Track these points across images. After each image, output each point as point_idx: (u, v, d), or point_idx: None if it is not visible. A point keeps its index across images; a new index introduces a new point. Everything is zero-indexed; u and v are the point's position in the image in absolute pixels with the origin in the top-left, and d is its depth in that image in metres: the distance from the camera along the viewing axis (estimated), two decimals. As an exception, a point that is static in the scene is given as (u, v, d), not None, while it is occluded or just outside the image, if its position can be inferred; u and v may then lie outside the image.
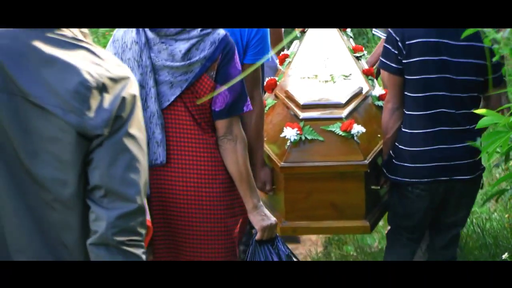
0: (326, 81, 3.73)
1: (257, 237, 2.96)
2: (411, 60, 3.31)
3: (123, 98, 1.95)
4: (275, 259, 2.97)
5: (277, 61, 4.23)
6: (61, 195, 1.97)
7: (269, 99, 3.74)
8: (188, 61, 2.85)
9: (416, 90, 3.35)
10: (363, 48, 4.28)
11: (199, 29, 2.84)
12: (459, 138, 3.35)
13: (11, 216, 2.00)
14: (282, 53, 4.27)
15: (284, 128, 3.39)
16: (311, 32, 4.35)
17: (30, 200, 1.98)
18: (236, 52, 2.93)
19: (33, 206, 1.99)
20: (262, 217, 2.96)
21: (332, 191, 3.40)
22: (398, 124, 3.41)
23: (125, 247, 1.97)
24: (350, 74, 3.77)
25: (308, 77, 3.78)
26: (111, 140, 1.95)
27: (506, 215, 4.79)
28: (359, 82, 3.70)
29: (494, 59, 2.36)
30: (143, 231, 2.01)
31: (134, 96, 1.98)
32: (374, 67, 4.19)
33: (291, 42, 4.65)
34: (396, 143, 3.42)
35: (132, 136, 1.97)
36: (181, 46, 2.85)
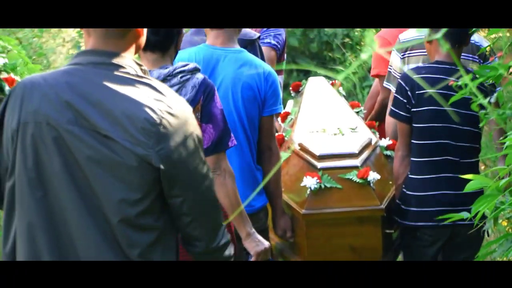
0: (335, 134, 3.97)
1: (253, 260, 3.16)
2: (420, 109, 3.58)
3: (185, 135, 2.19)
4: None
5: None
6: (129, 215, 2.16)
7: (281, 153, 3.96)
8: None
9: (423, 137, 3.61)
10: (360, 104, 4.57)
11: (179, 76, 3.05)
12: (463, 185, 3.59)
13: (82, 233, 2.18)
14: (283, 111, 4.53)
15: (304, 177, 3.61)
16: (307, 90, 4.61)
17: (99, 219, 2.17)
18: (216, 92, 3.14)
19: (101, 224, 2.18)
20: (256, 243, 3.16)
21: (351, 235, 3.62)
22: (408, 170, 3.66)
23: (223, 252, 2.35)
24: (356, 127, 4.03)
25: (317, 131, 4.03)
26: (190, 174, 2.21)
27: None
28: (367, 134, 3.97)
29: (481, 125, 2.55)
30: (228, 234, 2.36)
31: (195, 130, 2.23)
32: (369, 118, 4.48)
33: (285, 101, 4.92)
34: (403, 189, 3.68)
35: (203, 162, 2.25)
36: None
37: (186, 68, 3.07)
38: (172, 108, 2.18)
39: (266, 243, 3.19)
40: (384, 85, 4.36)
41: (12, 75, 2.84)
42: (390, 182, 3.79)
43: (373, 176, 3.60)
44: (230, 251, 2.41)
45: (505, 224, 3.11)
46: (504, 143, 2.48)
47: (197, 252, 2.32)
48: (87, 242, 2.18)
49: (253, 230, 3.19)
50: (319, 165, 3.67)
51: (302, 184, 3.61)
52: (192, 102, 3.05)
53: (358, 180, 3.59)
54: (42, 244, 2.19)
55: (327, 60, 8.43)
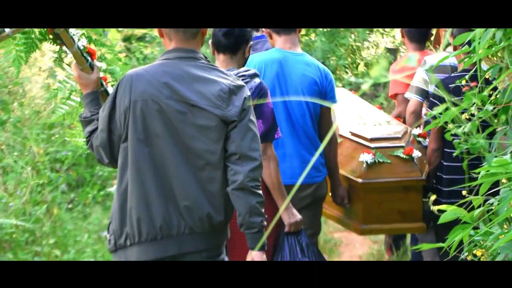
0: (375, 125, 4.90)
1: (286, 229, 3.84)
2: None
3: (245, 98, 3.08)
4: (298, 247, 3.83)
5: None
6: (210, 160, 3.04)
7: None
8: None
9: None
10: (381, 107, 5.53)
11: (241, 79, 3.47)
12: None
13: (178, 175, 3.02)
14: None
15: (361, 154, 4.51)
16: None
17: (190, 165, 3.03)
18: (269, 94, 3.82)
19: (191, 169, 3.03)
20: (290, 215, 3.84)
21: (398, 201, 4.50)
22: (439, 160, 4.53)
23: (254, 189, 3.07)
24: (390, 121, 4.97)
25: (359, 123, 4.94)
26: (241, 124, 3.05)
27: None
28: (401, 124, 4.91)
29: (455, 154, 2.87)
30: (260, 179, 3.11)
31: (249, 96, 3.12)
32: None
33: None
34: (437, 173, 4.56)
35: (252, 121, 3.10)
36: None
37: (247, 73, 3.79)
38: (234, 83, 3.09)
39: (299, 217, 3.79)
40: (406, 95, 5.12)
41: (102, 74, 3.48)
42: (425, 161, 4.71)
43: (416, 153, 4.52)
44: (261, 193, 3.05)
45: (479, 253, 3.11)
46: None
47: (236, 186, 3.01)
48: (181, 180, 3.02)
49: (290, 204, 3.83)
50: (372, 145, 4.58)
51: (360, 160, 4.50)
52: None
53: (404, 156, 4.50)
54: (149, 185, 3.01)
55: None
